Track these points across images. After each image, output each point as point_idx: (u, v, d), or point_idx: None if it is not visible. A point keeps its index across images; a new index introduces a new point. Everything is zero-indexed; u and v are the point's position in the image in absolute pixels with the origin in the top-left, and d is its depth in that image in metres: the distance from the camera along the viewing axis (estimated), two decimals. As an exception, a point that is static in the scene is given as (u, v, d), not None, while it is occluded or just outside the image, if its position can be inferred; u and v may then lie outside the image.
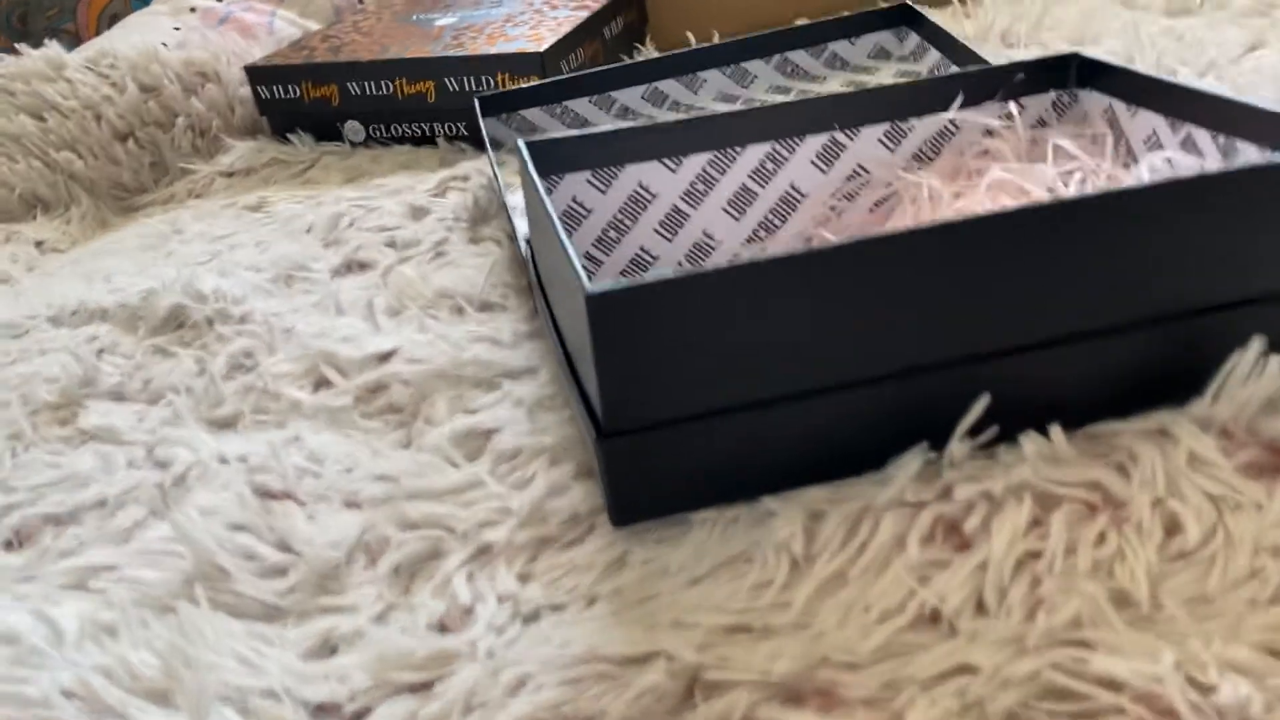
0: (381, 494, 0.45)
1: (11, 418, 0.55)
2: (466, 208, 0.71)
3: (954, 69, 0.74)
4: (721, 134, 0.55)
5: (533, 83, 0.79)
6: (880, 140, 0.57)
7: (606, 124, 0.76)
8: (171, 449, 0.50)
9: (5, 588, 0.43)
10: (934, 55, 0.76)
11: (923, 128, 0.57)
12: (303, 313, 0.61)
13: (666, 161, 0.55)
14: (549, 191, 0.54)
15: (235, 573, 0.41)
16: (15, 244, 0.81)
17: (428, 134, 0.87)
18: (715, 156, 0.55)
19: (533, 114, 0.77)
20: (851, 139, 0.57)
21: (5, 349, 0.62)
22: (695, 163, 0.55)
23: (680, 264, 0.57)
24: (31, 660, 0.36)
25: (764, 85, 0.78)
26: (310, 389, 0.54)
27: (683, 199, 0.56)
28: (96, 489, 0.48)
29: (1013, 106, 0.57)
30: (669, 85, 0.78)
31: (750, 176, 0.56)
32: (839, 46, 0.79)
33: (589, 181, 0.55)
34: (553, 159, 0.54)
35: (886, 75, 0.77)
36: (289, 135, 0.90)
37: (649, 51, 0.98)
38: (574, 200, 0.55)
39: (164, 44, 0.95)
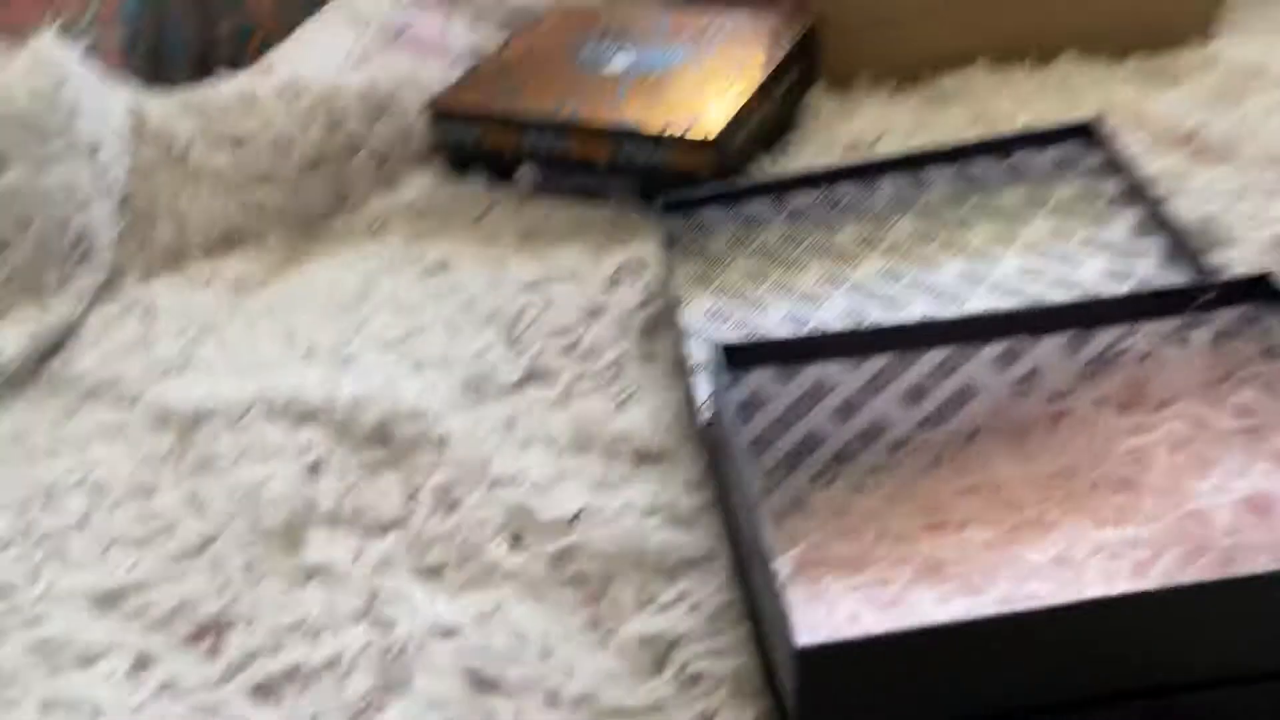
0: (578, 694, 0.51)
1: (243, 539, 0.62)
2: (642, 314, 0.75)
3: (1134, 199, 0.73)
4: (905, 338, 0.57)
5: (710, 160, 0.81)
6: (1061, 347, 0.58)
7: (778, 224, 0.78)
8: (390, 608, 0.57)
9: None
10: (1114, 182, 0.75)
11: (1103, 338, 0.58)
12: (496, 437, 0.67)
13: (849, 361, 0.58)
14: (732, 384, 0.57)
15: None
16: (216, 285, 0.87)
17: (599, 191, 0.89)
18: (897, 357, 0.58)
19: (709, 211, 0.79)
20: (1032, 344, 0.58)
21: (229, 444, 0.69)
22: (877, 362, 0.58)
23: (849, 446, 0.60)
24: None
25: (940, 194, 0.78)
26: (508, 546, 0.60)
27: (860, 392, 0.59)
28: (328, 645, 0.56)
29: (1196, 333, 0.57)
30: (844, 189, 0.78)
31: (928, 375, 0.59)
32: (1022, 157, 0.78)
33: (772, 377, 0.58)
34: (744, 355, 0.57)
35: (1066, 193, 0.76)
36: (463, 166, 0.93)
37: (821, 92, 0.97)
38: (755, 392, 0.58)
39: (345, 55, 0.98)
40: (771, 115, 0.91)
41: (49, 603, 0.61)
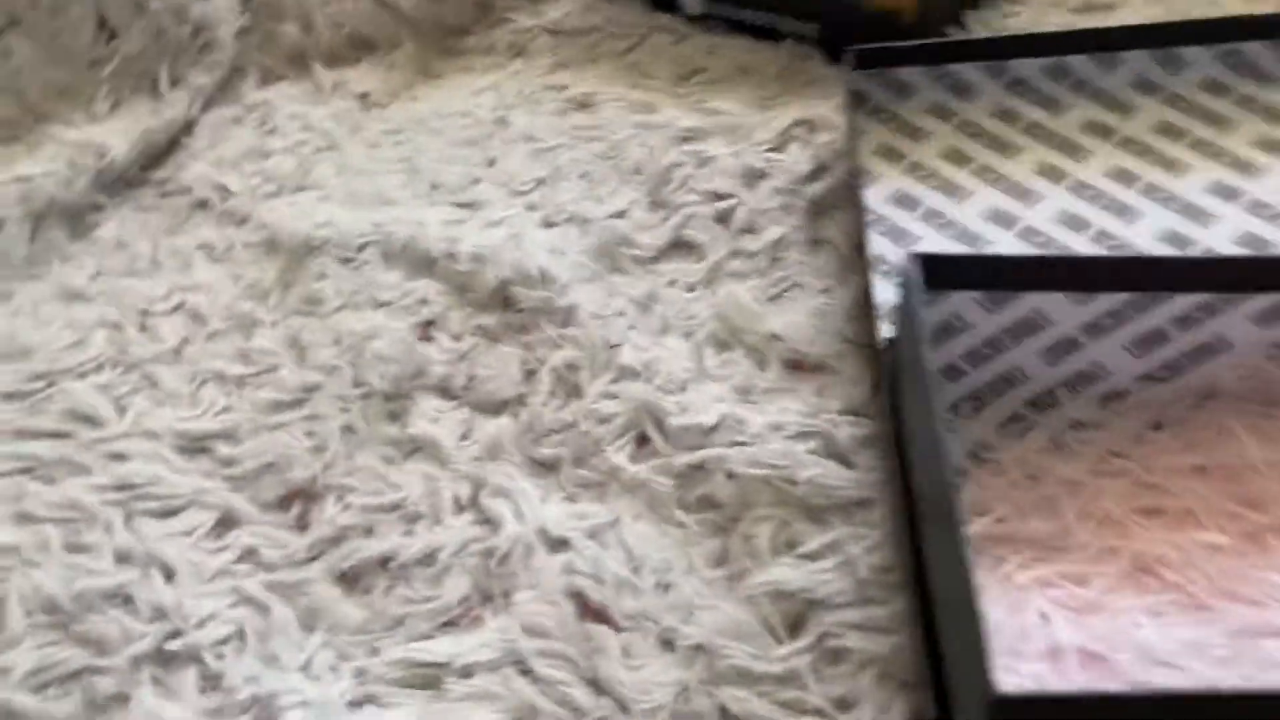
0: (697, 640, 0.44)
1: (342, 397, 0.56)
2: (812, 187, 0.64)
3: None
4: (1151, 277, 0.46)
5: (914, 14, 0.68)
6: (1349, 307, 0.46)
7: (992, 94, 0.65)
8: (497, 504, 0.50)
9: (349, 651, 0.46)
10: None
11: None
12: (627, 319, 0.58)
13: (1075, 295, 0.47)
14: (930, 303, 0.47)
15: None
16: (340, 97, 0.79)
17: (772, 28, 0.77)
18: (1136, 299, 0.47)
19: (909, 73, 0.66)
20: (1311, 301, 0.46)
21: (339, 285, 0.63)
22: (1109, 300, 0.47)
23: (1054, 392, 0.50)
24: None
25: (1196, 78, 0.64)
26: (631, 450, 0.52)
27: (1082, 331, 0.48)
28: (425, 535, 0.50)
29: None
30: (1078, 61, 0.65)
31: (1172, 322, 0.47)
32: (1312, 43, 0.63)
33: (976, 300, 0.48)
34: (944, 274, 0.46)
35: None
36: (621, -6, 0.82)
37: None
38: (955, 315, 0.48)
39: None
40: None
41: (135, 440, 0.56)
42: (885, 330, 0.51)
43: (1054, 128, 0.63)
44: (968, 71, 0.65)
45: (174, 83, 0.74)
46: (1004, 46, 0.65)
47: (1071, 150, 0.62)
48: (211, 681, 0.45)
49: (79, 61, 0.73)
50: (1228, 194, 0.58)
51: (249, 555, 0.51)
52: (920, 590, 0.41)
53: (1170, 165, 0.60)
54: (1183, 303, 0.46)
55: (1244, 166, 0.59)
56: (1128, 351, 0.48)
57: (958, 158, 0.63)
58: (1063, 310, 0.47)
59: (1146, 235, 0.56)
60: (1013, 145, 0.63)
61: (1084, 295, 0.46)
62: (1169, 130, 0.62)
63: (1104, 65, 0.65)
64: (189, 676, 0.45)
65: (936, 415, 0.37)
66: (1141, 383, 0.49)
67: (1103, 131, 0.63)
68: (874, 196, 0.61)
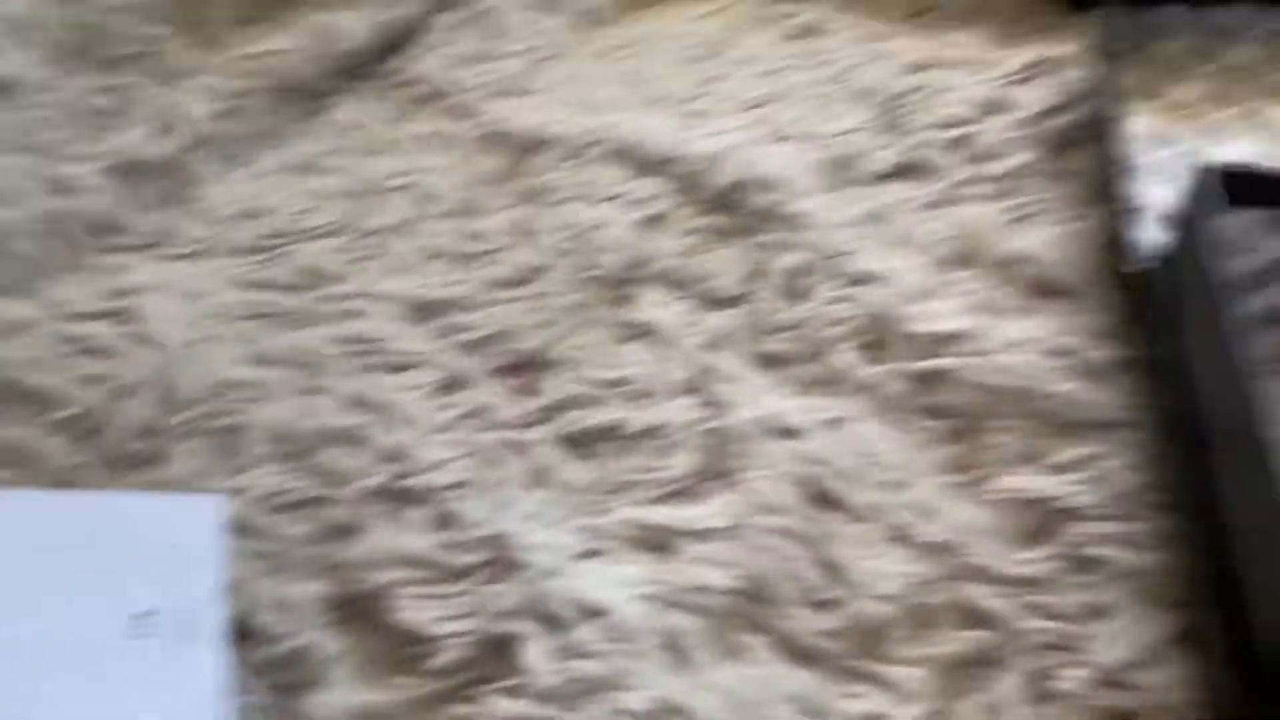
0: (935, 541, 0.43)
1: (567, 279, 0.57)
2: (1055, 120, 0.61)
3: None
4: None
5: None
6: None
7: (1257, 44, 0.62)
8: (723, 388, 0.50)
9: (576, 510, 0.46)
10: None
11: None
12: (858, 230, 0.57)
13: (1378, 223, 0.44)
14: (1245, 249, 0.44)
15: (786, 598, 0.41)
16: (564, 12, 0.79)
17: (1013, -29, 0.74)
18: None
19: (1167, 12, 0.63)
20: None
21: (566, 176, 0.63)
22: None
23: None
24: (624, 657, 0.39)
25: None
26: (862, 355, 0.51)
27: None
28: (651, 410, 0.50)
29: None
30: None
31: None
32: None
33: (1262, 221, 0.45)
34: (1237, 189, 0.44)
35: None
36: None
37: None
38: (1237, 231, 0.45)
39: None
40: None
41: (364, 300, 0.57)
42: (1142, 257, 0.49)
43: (1329, 77, 0.60)
44: (1233, 14, 0.62)
45: (410, -20, 0.76)
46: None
47: (1350, 102, 0.58)
48: (442, 520, 0.46)
49: (327, -49, 0.75)
50: None
51: (477, 413, 0.51)
52: (1200, 514, 0.39)
53: None
54: None
55: None
56: None
57: (1220, 99, 0.59)
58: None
59: None
60: (1281, 91, 0.59)
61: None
62: None
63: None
64: (421, 514, 0.46)
65: (1239, 326, 0.35)
66: None
67: (1387, 83, 0.59)
68: (1126, 132, 0.58)
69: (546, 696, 0.38)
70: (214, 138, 0.66)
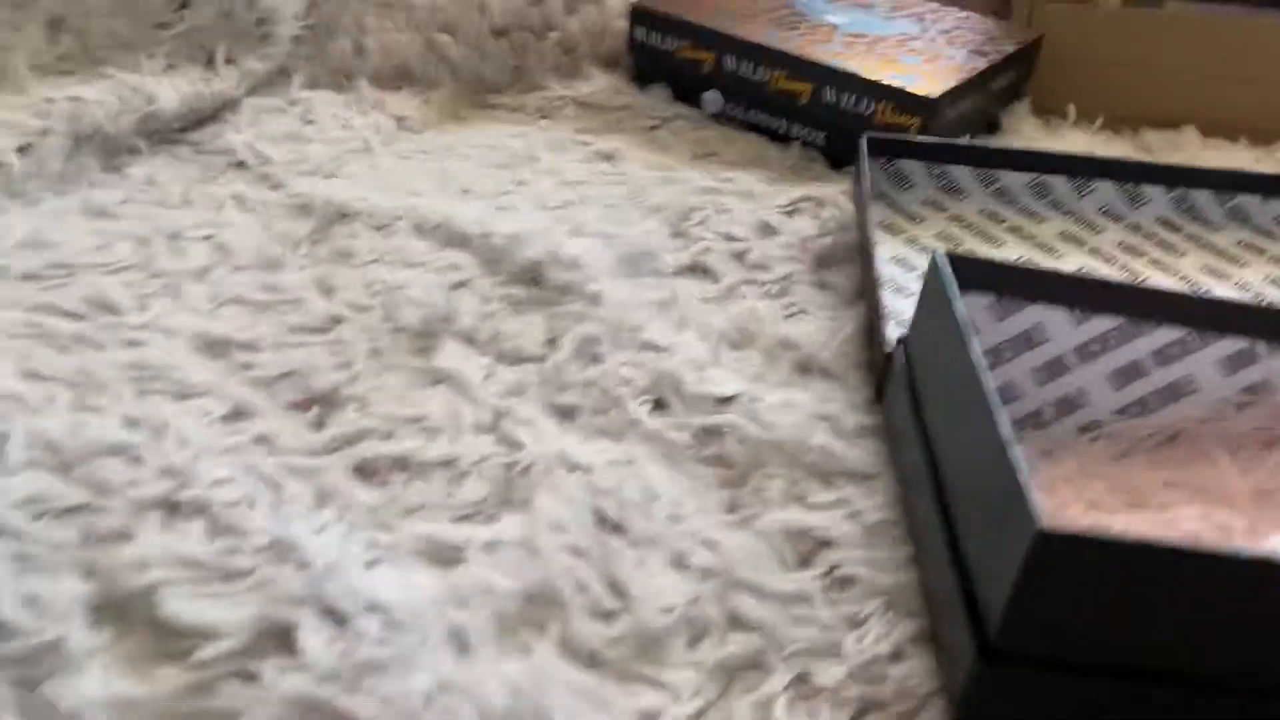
0: (710, 565, 0.46)
1: (372, 329, 0.58)
2: (818, 243, 0.70)
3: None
4: (1143, 305, 0.52)
5: (915, 128, 0.77)
6: (1301, 365, 0.53)
7: (979, 198, 0.73)
8: (518, 430, 0.52)
9: (361, 530, 0.46)
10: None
11: (1352, 368, 0.53)
12: (648, 313, 0.62)
13: (1075, 313, 0.53)
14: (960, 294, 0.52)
15: (571, 604, 0.43)
16: (379, 113, 0.84)
17: (783, 132, 0.85)
18: (1126, 325, 0.53)
19: (909, 165, 0.74)
20: (1270, 354, 0.53)
21: (371, 244, 0.65)
22: (1101, 324, 0.53)
23: (1041, 412, 0.55)
24: (403, 647, 0.38)
25: (1154, 215, 0.74)
26: (650, 408, 0.55)
27: (1074, 352, 0.54)
28: (445, 445, 0.51)
29: None
30: (1057, 182, 0.74)
31: (1151, 355, 0.53)
32: (1248, 201, 0.74)
33: (988, 307, 0.53)
34: (964, 273, 0.52)
35: (1291, 249, 0.71)
36: (648, 82, 0.90)
37: (1026, 110, 0.93)
38: (1002, 342, 0.53)
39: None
40: (981, 109, 0.87)
41: (152, 332, 0.56)
42: (888, 345, 0.56)
43: (1033, 231, 0.72)
44: (961, 175, 0.74)
45: (228, 61, 0.78)
46: (994, 159, 0.73)
47: (1048, 250, 0.70)
48: (221, 529, 0.44)
49: (147, 21, 0.77)
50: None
51: (263, 440, 0.50)
52: (939, 542, 0.43)
53: (1134, 274, 0.68)
54: (1162, 336, 0.53)
55: (1194, 284, 0.68)
56: (1108, 382, 0.54)
57: (949, 240, 0.70)
58: (1060, 329, 0.53)
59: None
60: (996, 239, 0.71)
61: (1081, 314, 0.52)
62: (1131, 249, 0.71)
63: (1077, 190, 0.74)
64: (198, 524, 0.44)
65: (977, 358, 0.41)
66: (1118, 416, 0.55)
67: (1075, 241, 0.71)
68: (881, 262, 0.67)
69: (326, 677, 0.37)
70: (5, 169, 0.64)
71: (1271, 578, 0.34)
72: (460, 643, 0.40)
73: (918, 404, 0.50)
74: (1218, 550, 0.34)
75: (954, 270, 0.51)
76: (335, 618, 0.39)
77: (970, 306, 0.53)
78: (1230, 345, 0.53)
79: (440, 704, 0.37)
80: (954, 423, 0.44)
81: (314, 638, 0.38)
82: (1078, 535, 0.34)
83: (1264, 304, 0.53)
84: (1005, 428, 0.38)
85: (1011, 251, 0.70)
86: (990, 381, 0.41)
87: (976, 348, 0.43)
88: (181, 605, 0.40)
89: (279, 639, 0.39)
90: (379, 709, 0.36)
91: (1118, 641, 0.36)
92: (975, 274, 0.52)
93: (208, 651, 0.38)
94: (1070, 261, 0.69)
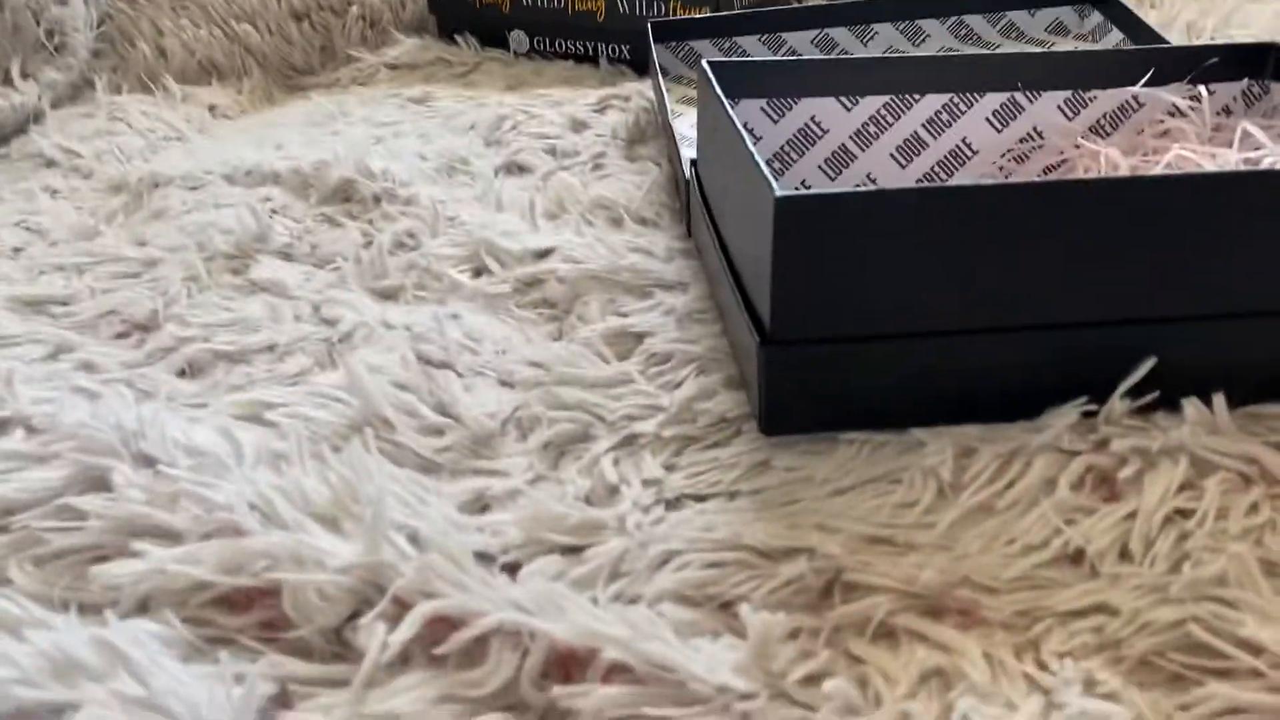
0: (534, 377, 0.47)
1: (188, 261, 0.58)
2: (626, 126, 0.72)
3: (1135, 50, 0.72)
4: (902, 79, 0.55)
5: (705, 14, 0.80)
6: (1060, 107, 0.56)
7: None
8: (337, 309, 0.53)
9: (180, 409, 0.46)
10: (1115, 36, 0.75)
11: (1105, 100, 0.56)
12: (465, 204, 0.63)
13: (843, 100, 0.56)
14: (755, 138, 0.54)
15: (398, 425, 0.43)
16: (190, 105, 0.84)
17: (591, 53, 0.88)
18: (892, 101, 0.56)
19: (701, 45, 0.77)
20: (1031, 101, 0.56)
21: (182, 199, 0.66)
22: (871, 105, 0.56)
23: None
24: (217, 471, 0.39)
25: (935, 45, 0.78)
26: (470, 274, 0.56)
27: (853, 139, 0.56)
28: (266, 334, 0.51)
29: (1201, 89, 0.56)
30: (839, 33, 0.78)
31: (924, 125, 0.56)
32: (1017, 16, 0.78)
33: (763, 109, 0.56)
34: (732, 82, 0.54)
35: (1064, 46, 0.76)
36: (455, 37, 0.93)
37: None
38: (746, 126, 0.56)
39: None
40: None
41: (-34, 303, 0.56)
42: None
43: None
44: (749, 43, 0.77)
45: (25, 76, 0.78)
46: (777, 22, 0.77)
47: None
48: (41, 431, 0.44)
49: (-68, 47, 0.77)
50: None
51: (84, 366, 0.50)
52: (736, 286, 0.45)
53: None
54: (930, 104, 0.56)
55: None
56: (894, 160, 0.57)
57: (748, 96, 0.73)
58: (835, 118, 0.56)
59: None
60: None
61: (849, 99, 0.55)
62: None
63: (860, 36, 0.78)
64: (19, 432, 0.44)
65: (739, 128, 0.43)
66: (910, 194, 0.57)
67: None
68: (679, 126, 0.69)
69: (141, 503, 0.37)
70: None
71: (1000, 201, 0.36)
72: (279, 461, 0.40)
73: (709, 209, 0.52)
74: (949, 187, 0.36)
75: (721, 76, 0.54)
76: (148, 461, 0.40)
77: (744, 112, 0.55)
78: (993, 100, 0.56)
79: (259, 506, 0.37)
80: (731, 193, 0.46)
81: (128, 477, 0.38)
82: (811, 194, 0.36)
83: (1015, 53, 0.56)
84: (751, 146, 0.40)
85: (808, 99, 0.73)
86: (740, 127, 0.43)
87: (730, 110, 0.45)
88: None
89: (95, 484, 0.39)
90: (195, 520, 0.36)
91: (879, 304, 0.38)
92: (743, 78, 0.54)
93: (31, 513, 0.38)
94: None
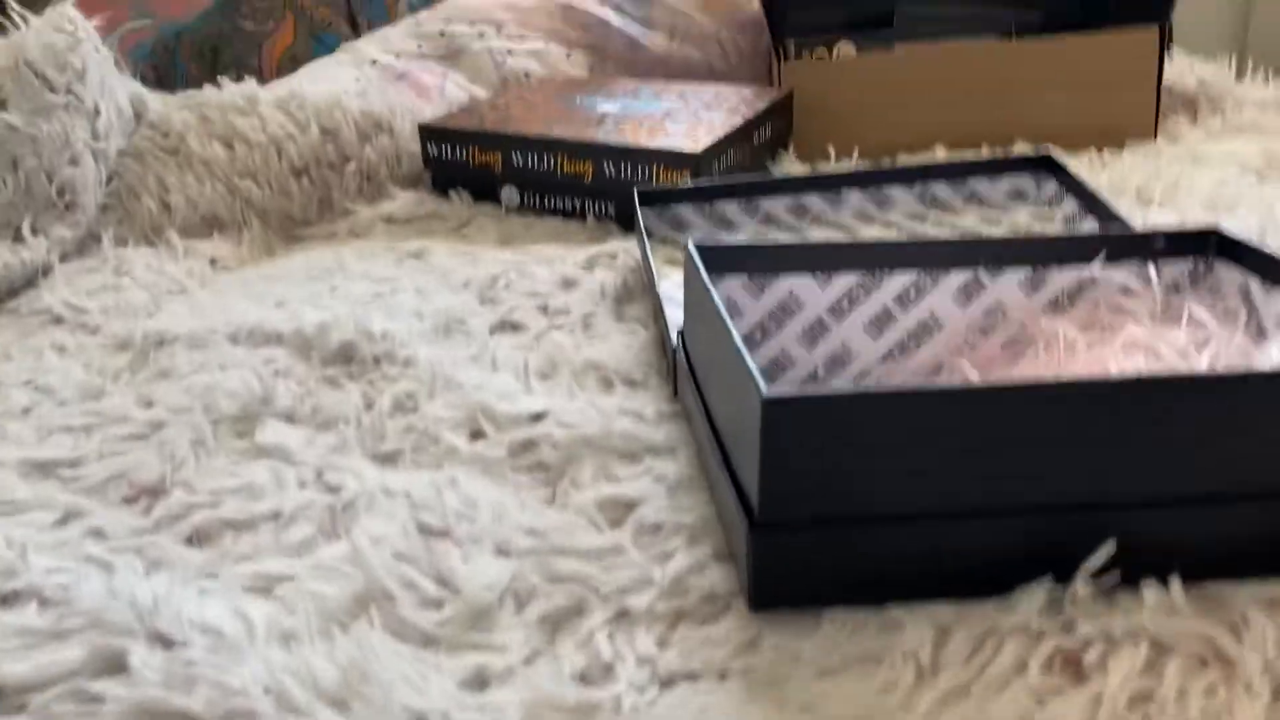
0: (530, 546, 0.49)
1: (195, 424, 0.61)
2: (614, 285, 0.76)
3: (1089, 218, 0.77)
4: (873, 258, 0.59)
5: (687, 181, 0.85)
6: (1020, 284, 0.61)
7: (750, 227, 0.81)
8: (340, 475, 0.55)
9: (191, 581, 0.48)
10: (1070, 204, 0.80)
11: (1062, 278, 0.61)
12: (461, 365, 0.66)
13: (819, 276, 0.59)
14: (735, 314, 0.58)
15: (399, 598, 0.45)
16: (191, 259, 0.88)
17: (579, 209, 0.93)
18: (864, 278, 0.60)
19: (684, 210, 0.82)
20: (993, 279, 0.60)
21: (189, 359, 0.69)
22: (844, 281, 0.60)
23: (817, 372, 0.61)
24: (231, 652, 0.41)
25: (902, 211, 0.83)
26: (467, 438, 0.59)
27: (828, 312, 0.60)
28: (271, 502, 0.53)
29: (1150, 269, 0.60)
30: (812, 200, 0.83)
31: (893, 300, 0.60)
32: (979, 184, 0.83)
33: (744, 286, 0.59)
34: (716, 262, 0.58)
35: (1021, 217, 0.81)
36: (449, 191, 0.97)
37: (791, 158, 1.03)
38: (728, 300, 0.59)
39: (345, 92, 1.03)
40: (747, 160, 0.97)
41: (-23, 466, 0.58)
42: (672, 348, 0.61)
43: (801, 241, 0.79)
44: (729, 209, 0.82)
45: (35, 232, 0.82)
46: (755, 189, 0.82)
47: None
48: (55, 604, 0.46)
49: (-52, 206, 0.80)
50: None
51: (93, 533, 0.52)
52: (725, 464, 0.48)
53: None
54: (898, 281, 0.60)
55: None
56: (867, 332, 0.61)
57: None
58: (811, 294, 0.60)
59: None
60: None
61: (824, 276, 0.59)
62: (888, 240, 0.79)
63: (832, 202, 0.83)
64: (31, 605, 0.46)
65: (718, 305, 0.47)
66: (882, 364, 0.61)
67: (838, 242, 0.79)
68: (664, 288, 0.73)
69: (158, 686, 0.39)
70: None
71: (973, 403, 0.40)
72: (288, 639, 0.42)
73: (696, 378, 0.55)
74: (926, 388, 0.39)
75: (705, 257, 0.58)
76: (164, 641, 0.41)
77: (727, 289, 0.59)
78: (958, 278, 0.60)
79: (273, 690, 0.39)
80: (717, 370, 0.49)
81: (145, 658, 0.40)
82: (797, 395, 0.39)
83: (976, 237, 0.61)
84: (738, 339, 0.43)
85: (785, 261, 0.77)
86: (728, 318, 0.46)
87: (716, 297, 0.49)
88: (14, 667, 0.41)
89: (112, 665, 0.40)
90: (210, 703, 0.38)
91: (862, 491, 0.41)
92: (725, 259, 0.59)
93: (49, 693, 0.40)
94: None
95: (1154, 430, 0.41)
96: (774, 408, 0.39)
